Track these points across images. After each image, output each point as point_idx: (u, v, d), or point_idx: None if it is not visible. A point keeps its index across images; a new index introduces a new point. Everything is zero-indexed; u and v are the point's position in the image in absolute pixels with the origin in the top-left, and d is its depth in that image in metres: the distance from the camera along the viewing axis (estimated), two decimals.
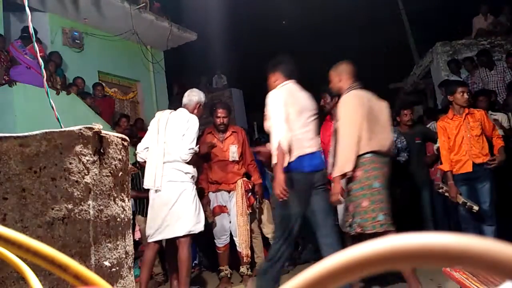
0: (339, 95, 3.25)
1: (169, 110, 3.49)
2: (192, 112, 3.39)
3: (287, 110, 2.75)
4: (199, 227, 3.20)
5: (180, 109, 3.44)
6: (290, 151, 2.69)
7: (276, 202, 2.86)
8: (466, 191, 3.63)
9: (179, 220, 3.12)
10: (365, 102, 2.95)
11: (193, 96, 3.47)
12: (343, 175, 2.80)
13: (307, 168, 2.78)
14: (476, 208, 3.49)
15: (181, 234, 3.12)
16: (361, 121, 2.84)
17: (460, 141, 3.65)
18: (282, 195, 2.60)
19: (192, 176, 3.29)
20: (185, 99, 3.48)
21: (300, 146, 2.76)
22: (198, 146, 3.35)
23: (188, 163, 3.21)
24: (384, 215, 2.80)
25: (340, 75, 3.08)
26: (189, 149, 3.17)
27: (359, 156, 2.83)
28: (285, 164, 2.68)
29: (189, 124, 3.24)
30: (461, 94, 3.71)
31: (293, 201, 2.73)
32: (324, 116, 4.01)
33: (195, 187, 3.30)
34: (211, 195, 3.99)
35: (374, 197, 2.81)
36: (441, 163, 3.84)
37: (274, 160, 2.67)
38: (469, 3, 8.67)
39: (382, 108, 3.07)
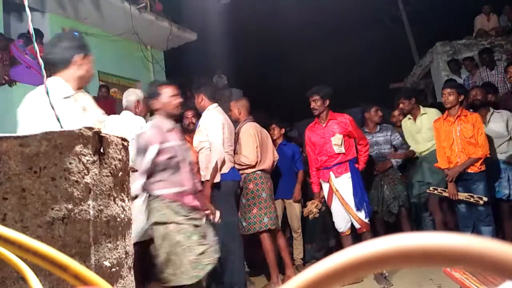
0: (330, 97, 3.73)
1: (114, 115, 3.46)
2: (135, 112, 3.38)
3: (224, 132, 3.41)
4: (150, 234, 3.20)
5: (123, 112, 3.40)
6: (222, 166, 3.39)
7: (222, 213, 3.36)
8: (461, 191, 3.62)
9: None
10: (258, 131, 3.78)
11: (130, 96, 3.45)
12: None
13: (238, 177, 3.56)
14: (485, 199, 3.46)
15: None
16: (256, 145, 3.68)
17: (451, 142, 3.65)
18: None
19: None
20: (124, 102, 3.45)
21: (229, 160, 3.48)
22: None
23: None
24: (268, 218, 3.64)
25: (240, 109, 3.87)
26: None
27: (252, 172, 3.68)
28: (218, 178, 3.36)
29: (137, 127, 3.18)
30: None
31: (233, 206, 3.44)
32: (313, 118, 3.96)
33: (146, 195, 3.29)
34: None
35: (261, 205, 3.65)
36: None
37: (208, 177, 3.31)
38: (470, 2, 8.67)
39: (267, 134, 4.02)
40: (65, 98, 2.08)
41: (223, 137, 3.39)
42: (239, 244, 3.39)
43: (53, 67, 2.19)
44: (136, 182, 2.48)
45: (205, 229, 2.62)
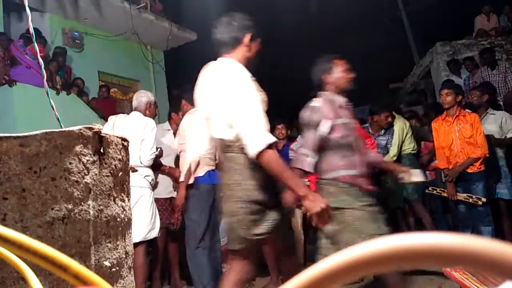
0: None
1: (123, 115, 3.47)
2: (145, 114, 3.39)
3: (200, 134, 3.31)
4: (154, 233, 3.19)
5: (133, 112, 3.40)
6: (197, 168, 3.30)
7: (189, 214, 3.32)
8: (460, 191, 3.63)
9: (134, 226, 3.10)
10: None
11: (142, 97, 3.45)
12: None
13: (214, 181, 3.33)
14: (483, 199, 3.47)
15: (135, 241, 3.16)
16: None
17: (451, 142, 3.66)
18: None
19: (152, 179, 3.29)
20: (134, 102, 3.46)
21: (206, 163, 3.34)
22: (158, 149, 3.37)
23: (148, 167, 3.24)
24: None
25: None
26: (151, 154, 3.20)
27: None
28: (192, 180, 3.28)
29: (147, 128, 3.23)
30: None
31: (202, 208, 3.32)
32: None
33: (152, 192, 3.29)
34: None
35: None
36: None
37: (182, 178, 3.27)
38: (470, 2, 8.67)
39: None
40: (251, 79, 1.97)
41: (198, 139, 3.33)
42: (203, 246, 3.29)
43: (222, 48, 2.11)
44: (308, 159, 2.29)
45: (378, 217, 2.37)
